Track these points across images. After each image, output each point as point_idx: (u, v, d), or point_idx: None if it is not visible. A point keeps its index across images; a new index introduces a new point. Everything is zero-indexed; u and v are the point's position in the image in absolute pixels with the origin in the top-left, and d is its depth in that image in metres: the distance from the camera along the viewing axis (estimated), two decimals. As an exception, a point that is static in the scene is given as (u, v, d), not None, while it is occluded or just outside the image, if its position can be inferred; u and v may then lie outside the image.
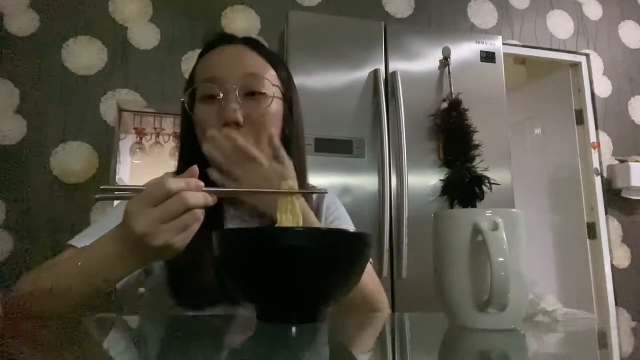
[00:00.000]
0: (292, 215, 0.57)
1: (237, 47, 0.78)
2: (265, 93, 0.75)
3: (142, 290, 0.75)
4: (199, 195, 0.50)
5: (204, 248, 0.51)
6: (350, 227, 0.84)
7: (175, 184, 0.49)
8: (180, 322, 0.59)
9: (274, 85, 0.76)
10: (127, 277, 0.66)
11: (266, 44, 0.84)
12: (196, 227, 0.51)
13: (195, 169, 0.53)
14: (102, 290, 0.55)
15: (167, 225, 0.49)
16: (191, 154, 0.74)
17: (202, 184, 0.52)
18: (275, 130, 0.75)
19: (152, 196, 0.49)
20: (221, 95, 0.72)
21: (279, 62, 0.80)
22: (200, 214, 0.51)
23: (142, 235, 0.48)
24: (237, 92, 0.72)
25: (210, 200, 0.52)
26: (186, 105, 0.76)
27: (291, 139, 0.79)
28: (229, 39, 0.79)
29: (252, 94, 0.74)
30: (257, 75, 0.75)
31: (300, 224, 0.57)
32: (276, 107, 0.76)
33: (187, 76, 0.81)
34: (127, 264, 0.53)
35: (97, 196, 0.54)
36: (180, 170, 0.74)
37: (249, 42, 0.79)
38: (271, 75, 0.77)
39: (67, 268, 0.56)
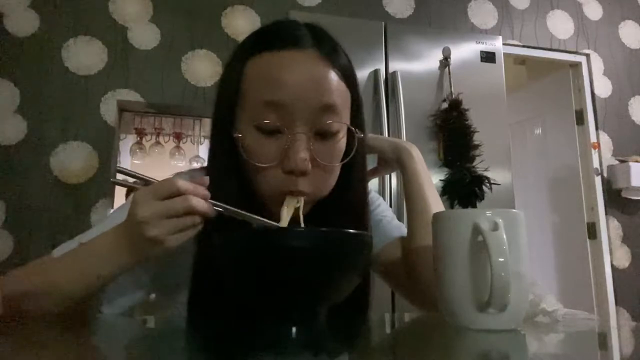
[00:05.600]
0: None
1: (307, 54, 0.59)
2: (338, 132, 0.60)
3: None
4: (203, 203, 0.51)
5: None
6: (394, 223, 0.78)
7: (184, 185, 0.50)
8: (178, 321, 0.59)
9: (348, 121, 0.62)
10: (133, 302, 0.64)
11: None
12: (192, 232, 0.51)
13: (206, 179, 0.53)
14: (94, 288, 0.55)
15: (166, 220, 0.50)
16: (228, 180, 0.61)
17: (209, 194, 0.52)
18: (337, 171, 0.63)
19: (159, 190, 0.50)
20: (286, 130, 0.57)
21: (354, 78, 0.63)
22: (200, 221, 0.51)
23: (139, 221, 0.49)
24: (308, 134, 0.57)
25: (213, 212, 0.52)
26: (236, 135, 0.59)
27: (352, 169, 0.65)
28: (295, 41, 0.59)
29: (323, 134, 0.59)
30: (333, 108, 0.58)
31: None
32: (345, 141, 0.63)
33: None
34: (122, 258, 0.53)
35: (112, 180, 0.57)
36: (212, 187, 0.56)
37: (323, 48, 0.60)
38: (347, 104, 0.62)
39: (57, 266, 0.56)
